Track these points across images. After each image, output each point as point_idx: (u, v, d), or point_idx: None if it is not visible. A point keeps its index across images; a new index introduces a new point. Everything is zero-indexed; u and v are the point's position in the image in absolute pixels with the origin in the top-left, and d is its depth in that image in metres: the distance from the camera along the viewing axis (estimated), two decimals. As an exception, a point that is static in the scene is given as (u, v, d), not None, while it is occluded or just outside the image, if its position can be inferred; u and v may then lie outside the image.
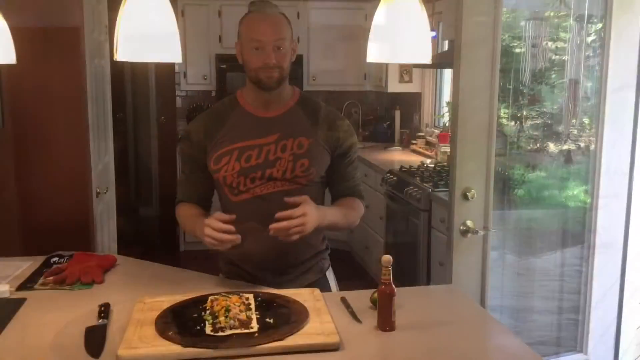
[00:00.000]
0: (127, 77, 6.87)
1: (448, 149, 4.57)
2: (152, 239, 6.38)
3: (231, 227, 1.79)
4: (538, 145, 3.13)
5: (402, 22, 1.51)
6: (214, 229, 1.78)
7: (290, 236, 1.79)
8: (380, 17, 1.54)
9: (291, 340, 1.53)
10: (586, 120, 3.00)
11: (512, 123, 3.01)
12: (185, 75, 5.83)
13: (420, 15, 1.53)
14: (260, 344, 1.50)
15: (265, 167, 1.95)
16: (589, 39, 2.89)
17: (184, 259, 5.60)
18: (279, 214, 1.79)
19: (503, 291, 2.96)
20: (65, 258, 2.24)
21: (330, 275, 2.18)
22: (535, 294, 3.19)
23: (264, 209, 1.90)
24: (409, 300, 1.85)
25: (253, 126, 1.99)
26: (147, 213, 7.06)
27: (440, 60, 4.25)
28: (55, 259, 2.24)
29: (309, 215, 1.80)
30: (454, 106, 2.49)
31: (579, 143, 3.03)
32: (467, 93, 2.44)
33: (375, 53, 1.54)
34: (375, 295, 1.75)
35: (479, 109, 2.46)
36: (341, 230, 2.16)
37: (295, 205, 1.81)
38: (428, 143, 5.29)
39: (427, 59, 1.51)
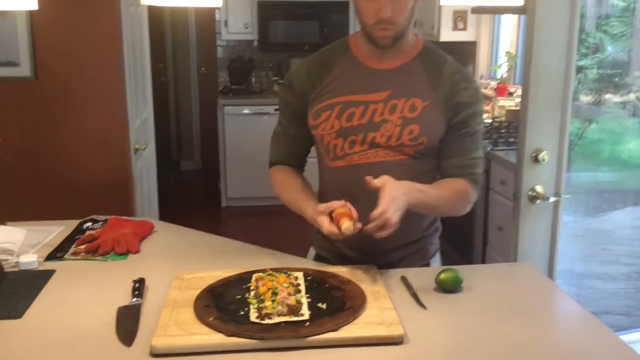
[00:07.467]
0: (166, 27, 6.68)
1: (507, 103, 4.26)
2: (193, 194, 6.29)
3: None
4: (598, 97, 2.86)
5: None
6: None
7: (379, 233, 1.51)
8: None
9: (347, 331, 1.33)
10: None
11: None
12: (226, 24, 5.58)
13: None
14: (312, 335, 1.31)
15: (368, 129, 1.67)
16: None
17: (225, 215, 5.48)
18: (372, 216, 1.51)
19: (572, 256, 2.73)
20: (100, 223, 2.08)
21: (435, 263, 1.87)
22: (599, 259, 2.97)
23: (362, 181, 1.58)
24: (478, 281, 1.63)
25: (362, 78, 1.71)
26: (188, 167, 6.96)
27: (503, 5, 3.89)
28: (89, 224, 2.09)
29: (389, 211, 1.48)
30: (526, 57, 2.21)
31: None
32: (541, 41, 2.15)
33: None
34: (443, 276, 1.53)
35: (554, 59, 2.17)
36: (441, 215, 1.86)
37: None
38: (483, 96, 4.96)
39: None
